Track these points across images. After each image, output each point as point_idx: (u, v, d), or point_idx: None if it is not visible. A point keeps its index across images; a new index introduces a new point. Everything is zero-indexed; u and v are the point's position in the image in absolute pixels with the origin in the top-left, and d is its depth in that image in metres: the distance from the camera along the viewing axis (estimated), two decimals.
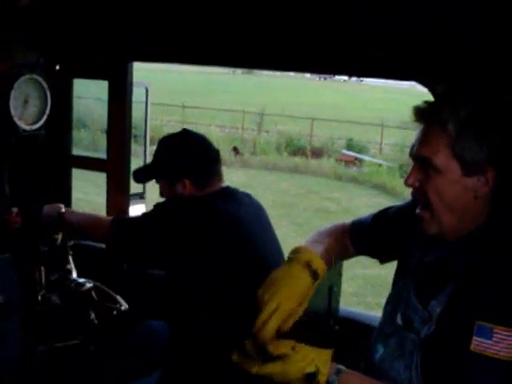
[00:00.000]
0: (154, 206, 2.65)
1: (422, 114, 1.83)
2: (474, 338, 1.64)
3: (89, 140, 16.10)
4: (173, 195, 2.68)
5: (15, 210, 2.79)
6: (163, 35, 3.01)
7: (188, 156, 2.66)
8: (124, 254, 2.77)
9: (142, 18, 2.99)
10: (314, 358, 1.81)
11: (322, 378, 1.79)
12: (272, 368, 1.81)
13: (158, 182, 2.76)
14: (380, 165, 20.23)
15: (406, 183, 1.84)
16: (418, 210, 1.85)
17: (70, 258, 2.81)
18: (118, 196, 3.37)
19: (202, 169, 2.66)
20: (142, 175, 2.84)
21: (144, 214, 2.69)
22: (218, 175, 2.71)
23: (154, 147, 2.79)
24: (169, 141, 2.75)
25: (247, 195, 2.78)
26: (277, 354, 1.82)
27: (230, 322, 2.44)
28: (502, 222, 1.83)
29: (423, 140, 1.81)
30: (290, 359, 1.81)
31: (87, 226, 2.80)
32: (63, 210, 2.85)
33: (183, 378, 2.61)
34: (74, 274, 2.81)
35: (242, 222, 2.58)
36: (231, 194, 2.70)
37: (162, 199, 2.73)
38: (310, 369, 1.80)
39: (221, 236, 2.51)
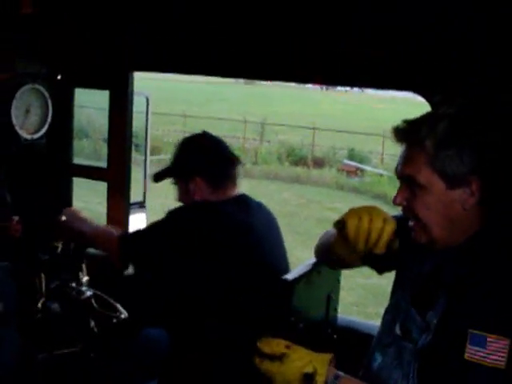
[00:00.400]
0: (167, 212, 2.65)
1: (401, 134, 1.87)
2: (468, 346, 1.65)
3: (90, 149, 16.11)
4: (188, 197, 2.68)
5: (16, 218, 2.80)
6: (164, 45, 3.03)
7: (201, 154, 2.67)
8: (137, 265, 2.76)
9: (143, 28, 3.01)
10: (312, 360, 1.84)
11: (320, 379, 1.81)
12: (270, 365, 1.86)
13: (175, 183, 2.77)
14: (381, 175, 20.22)
15: (394, 203, 1.88)
16: (410, 222, 1.88)
17: (84, 267, 2.80)
18: (119, 204, 3.38)
19: (215, 168, 2.66)
20: (159, 175, 2.85)
21: (157, 222, 2.68)
22: (232, 179, 2.71)
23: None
24: (186, 141, 2.77)
25: (260, 204, 2.78)
26: (270, 353, 1.87)
27: (238, 328, 2.44)
28: (494, 232, 1.84)
29: (405, 159, 1.86)
30: (287, 358, 1.84)
31: (96, 240, 2.81)
32: (81, 217, 2.89)
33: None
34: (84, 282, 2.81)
35: (253, 230, 2.59)
36: (245, 201, 2.70)
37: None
38: (308, 369, 1.83)
39: (232, 243, 2.51)
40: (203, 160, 2.67)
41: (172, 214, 2.63)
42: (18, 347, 2.58)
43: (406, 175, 1.85)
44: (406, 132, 1.86)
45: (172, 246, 2.55)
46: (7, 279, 2.56)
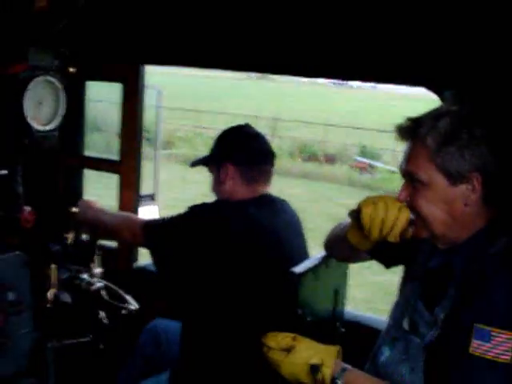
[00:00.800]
0: (189, 208, 2.63)
1: (403, 131, 1.89)
2: (473, 340, 1.66)
3: (103, 143, 16.14)
4: (218, 187, 2.66)
5: (28, 209, 2.82)
6: (176, 38, 3.03)
7: (238, 142, 2.64)
8: (155, 254, 2.73)
9: (156, 21, 3.02)
10: (319, 351, 1.88)
11: (327, 371, 1.84)
12: (278, 355, 1.91)
13: (209, 170, 2.76)
14: (393, 172, 20.16)
15: (399, 199, 1.90)
16: (411, 216, 1.88)
17: (96, 258, 2.81)
18: (129, 197, 3.40)
19: (250, 158, 2.63)
20: (196, 161, 2.82)
21: (179, 215, 2.66)
22: (266, 176, 2.67)
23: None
24: (226, 130, 2.75)
25: (283, 204, 2.76)
26: (276, 347, 1.92)
27: (246, 321, 2.45)
28: (501, 228, 1.85)
29: (408, 156, 1.88)
30: (294, 349, 1.89)
31: (119, 227, 2.82)
32: (97, 207, 2.90)
33: (195, 378, 2.62)
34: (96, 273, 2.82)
35: (273, 231, 2.57)
36: (269, 201, 2.68)
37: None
38: (315, 360, 1.86)
39: (249, 244, 2.50)
40: (238, 147, 2.63)
41: (193, 211, 2.62)
42: (31, 336, 2.62)
43: (408, 172, 1.87)
44: (409, 129, 1.88)
45: (187, 241, 2.55)
46: (21, 269, 2.59)
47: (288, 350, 1.91)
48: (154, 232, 2.65)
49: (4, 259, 2.55)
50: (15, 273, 2.58)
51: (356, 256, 2.27)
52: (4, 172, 2.83)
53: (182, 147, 22.25)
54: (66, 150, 3.43)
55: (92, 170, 3.63)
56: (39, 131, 2.90)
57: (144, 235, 2.67)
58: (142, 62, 3.28)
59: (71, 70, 3.07)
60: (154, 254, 2.68)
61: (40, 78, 2.89)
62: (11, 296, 2.55)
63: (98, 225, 2.84)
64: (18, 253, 2.59)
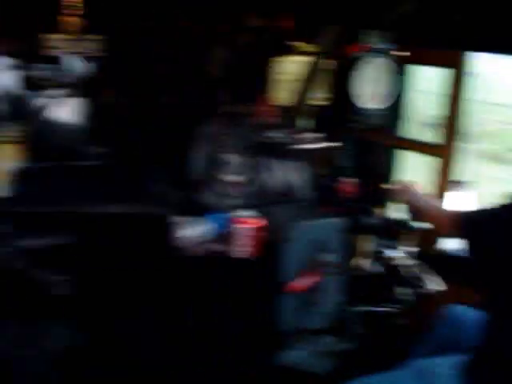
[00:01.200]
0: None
1: None
2: None
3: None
4: None
5: (353, 181, 3.01)
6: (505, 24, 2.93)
7: None
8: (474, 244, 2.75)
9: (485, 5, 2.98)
10: None
11: None
12: None
13: None
14: None
15: None
16: None
17: (403, 237, 2.93)
18: (444, 181, 3.44)
19: None
20: None
21: (499, 207, 2.67)
22: None
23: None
24: None
25: None
26: None
27: None
28: None
29: None
30: None
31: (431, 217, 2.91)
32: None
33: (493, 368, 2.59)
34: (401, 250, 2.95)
35: None
36: None
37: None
38: None
39: None
40: None
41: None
42: (338, 297, 2.84)
43: None
44: None
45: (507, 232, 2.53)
46: (340, 234, 2.81)
47: None
48: (474, 223, 2.66)
49: (327, 223, 2.80)
50: (335, 237, 2.81)
51: None
52: (335, 145, 3.07)
53: (487, 143, 21.25)
54: (387, 130, 3.57)
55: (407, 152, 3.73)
56: (368, 109, 3.07)
57: (463, 226, 2.69)
58: (468, 48, 3.24)
59: (401, 54, 3.18)
60: (473, 243, 2.68)
61: (375, 59, 3.06)
62: (329, 258, 2.80)
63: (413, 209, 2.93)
64: (338, 219, 2.80)
